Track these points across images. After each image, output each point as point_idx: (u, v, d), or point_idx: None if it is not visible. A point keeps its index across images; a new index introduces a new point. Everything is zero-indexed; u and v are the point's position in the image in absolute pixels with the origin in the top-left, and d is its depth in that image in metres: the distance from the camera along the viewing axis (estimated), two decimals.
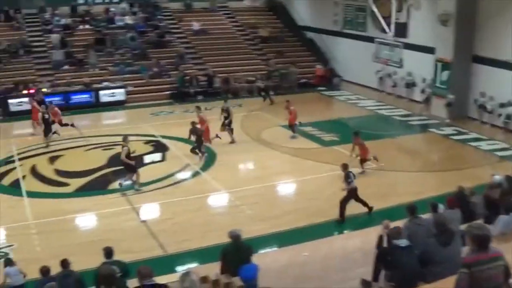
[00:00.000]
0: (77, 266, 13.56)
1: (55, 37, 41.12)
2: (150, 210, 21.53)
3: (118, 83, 38.52)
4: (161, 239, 18.60)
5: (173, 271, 15.84)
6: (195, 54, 43.64)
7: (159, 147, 28.32)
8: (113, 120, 36.53)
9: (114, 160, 25.95)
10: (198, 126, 26.95)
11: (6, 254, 17.81)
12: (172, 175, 24.83)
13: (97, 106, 37.15)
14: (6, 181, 24.77)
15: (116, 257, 13.03)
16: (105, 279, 9.76)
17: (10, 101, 35.48)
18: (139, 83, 39.89)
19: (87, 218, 21.09)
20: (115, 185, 23.58)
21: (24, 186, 23.85)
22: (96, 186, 23.38)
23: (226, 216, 20.94)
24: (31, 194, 22.95)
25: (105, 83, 38.27)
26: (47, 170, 25.75)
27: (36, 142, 29.57)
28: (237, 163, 26.88)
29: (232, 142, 28.75)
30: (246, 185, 23.47)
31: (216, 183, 23.73)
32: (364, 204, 19.89)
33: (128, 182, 23.46)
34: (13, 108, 35.57)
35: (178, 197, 22.37)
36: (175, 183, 24.09)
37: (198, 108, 28.49)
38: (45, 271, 12.85)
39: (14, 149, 28.57)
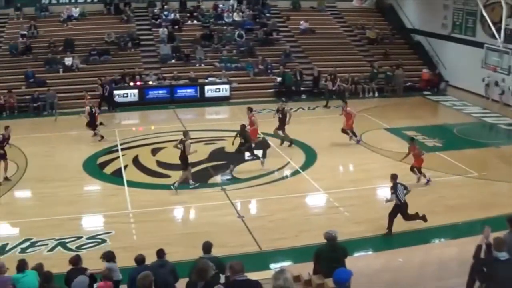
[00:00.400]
0: (172, 257, 13.69)
1: (163, 31, 41.84)
2: (247, 206, 21.70)
3: (223, 79, 38.82)
4: (257, 236, 18.64)
5: (266, 268, 15.87)
6: (302, 53, 43.55)
7: (261, 144, 28.30)
8: (217, 116, 36.91)
9: (215, 154, 26.26)
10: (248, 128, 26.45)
11: (104, 240, 18.37)
12: (272, 172, 24.87)
13: (201, 100, 37.57)
14: (109, 169, 25.40)
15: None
16: (199, 272, 9.81)
17: (115, 92, 36.58)
18: (244, 79, 40.17)
19: (185, 210, 21.50)
20: (215, 179, 23.81)
21: (126, 176, 24.36)
22: (196, 179, 23.58)
23: (323, 216, 20.79)
24: (132, 184, 23.46)
25: (211, 79, 38.66)
26: (149, 161, 26.25)
27: (139, 134, 30.19)
28: (337, 164, 26.65)
29: (282, 143, 28.48)
30: (345, 186, 23.22)
31: (315, 183, 23.54)
32: (416, 217, 19.02)
33: (228, 176, 23.77)
34: (118, 99, 36.58)
35: (277, 195, 22.36)
36: (274, 180, 24.12)
37: (250, 109, 27.85)
38: (140, 259, 13.02)
39: (117, 139, 29.27)
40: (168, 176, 24.22)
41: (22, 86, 36.66)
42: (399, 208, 18.65)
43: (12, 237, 19.19)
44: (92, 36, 41.26)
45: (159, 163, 25.93)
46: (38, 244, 18.38)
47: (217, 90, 38.24)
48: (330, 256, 12.43)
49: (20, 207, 22.51)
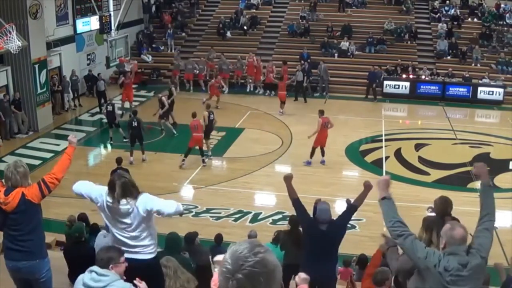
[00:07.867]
0: None
1: (441, 27, 41.19)
2: (505, 217, 20.62)
3: (498, 81, 37.45)
4: (507, 250, 17.68)
5: None
6: None
7: None
8: (486, 119, 35.67)
9: (479, 159, 25.45)
10: None
11: (353, 227, 19.00)
12: None
13: (472, 101, 36.45)
14: (370, 158, 25.65)
15: None
16: None
17: (386, 82, 36.93)
18: None
19: None
20: (475, 184, 23.04)
21: (385, 167, 24.44)
22: (456, 182, 23.13)
23: None
24: (390, 176, 23.35)
25: (485, 80, 37.41)
26: (410, 156, 26.10)
27: (405, 126, 30.09)
28: None
29: None
30: None
31: None
32: None
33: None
34: (388, 90, 36.94)
35: None
36: None
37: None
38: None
39: (382, 129, 29.39)
40: (427, 174, 23.94)
41: (297, 66, 37.83)
42: None
43: (267, 207, 20.22)
44: (370, 25, 41.81)
45: (421, 159, 25.70)
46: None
47: (490, 92, 36.85)
48: None
49: (280, 180, 23.38)
